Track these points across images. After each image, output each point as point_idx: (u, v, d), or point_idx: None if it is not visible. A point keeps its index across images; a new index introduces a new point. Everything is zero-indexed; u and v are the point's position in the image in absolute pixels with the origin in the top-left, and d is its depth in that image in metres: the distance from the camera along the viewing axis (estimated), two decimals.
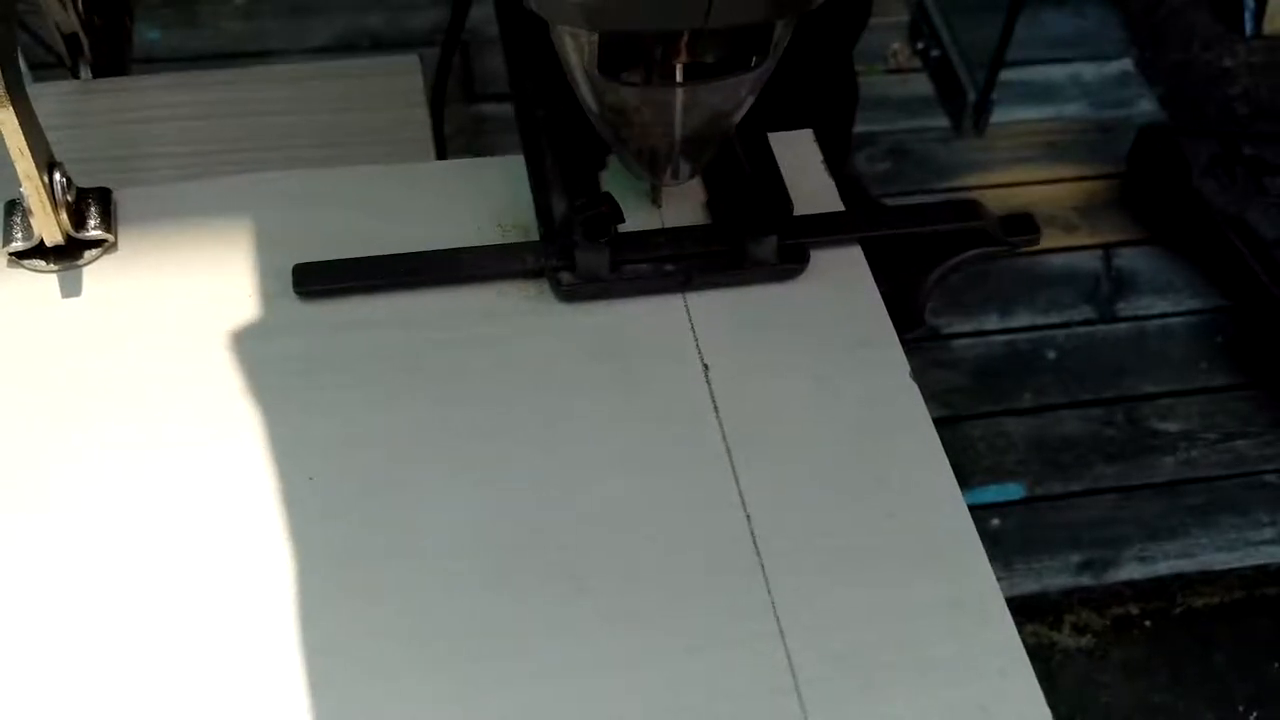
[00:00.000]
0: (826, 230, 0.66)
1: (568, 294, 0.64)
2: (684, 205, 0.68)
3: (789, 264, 0.65)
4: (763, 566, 0.55)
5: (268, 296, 0.63)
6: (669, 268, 0.65)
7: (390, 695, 0.51)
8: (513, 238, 0.67)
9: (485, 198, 0.68)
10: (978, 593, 0.55)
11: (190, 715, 0.50)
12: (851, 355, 0.63)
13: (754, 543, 0.56)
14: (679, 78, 0.58)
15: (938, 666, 0.53)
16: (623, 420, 0.60)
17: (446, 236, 0.66)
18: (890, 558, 0.56)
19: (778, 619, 0.54)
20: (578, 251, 0.63)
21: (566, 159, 0.66)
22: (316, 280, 0.63)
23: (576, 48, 0.57)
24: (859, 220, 0.67)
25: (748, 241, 0.64)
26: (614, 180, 0.67)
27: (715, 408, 0.60)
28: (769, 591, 0.54)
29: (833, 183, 0.69)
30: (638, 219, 0.66)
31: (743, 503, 0.57)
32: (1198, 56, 1.94)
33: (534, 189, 0.67)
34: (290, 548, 0.55)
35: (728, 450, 0.59)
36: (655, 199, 0.68)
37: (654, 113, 0.59)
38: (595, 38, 0.55)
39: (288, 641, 0.52)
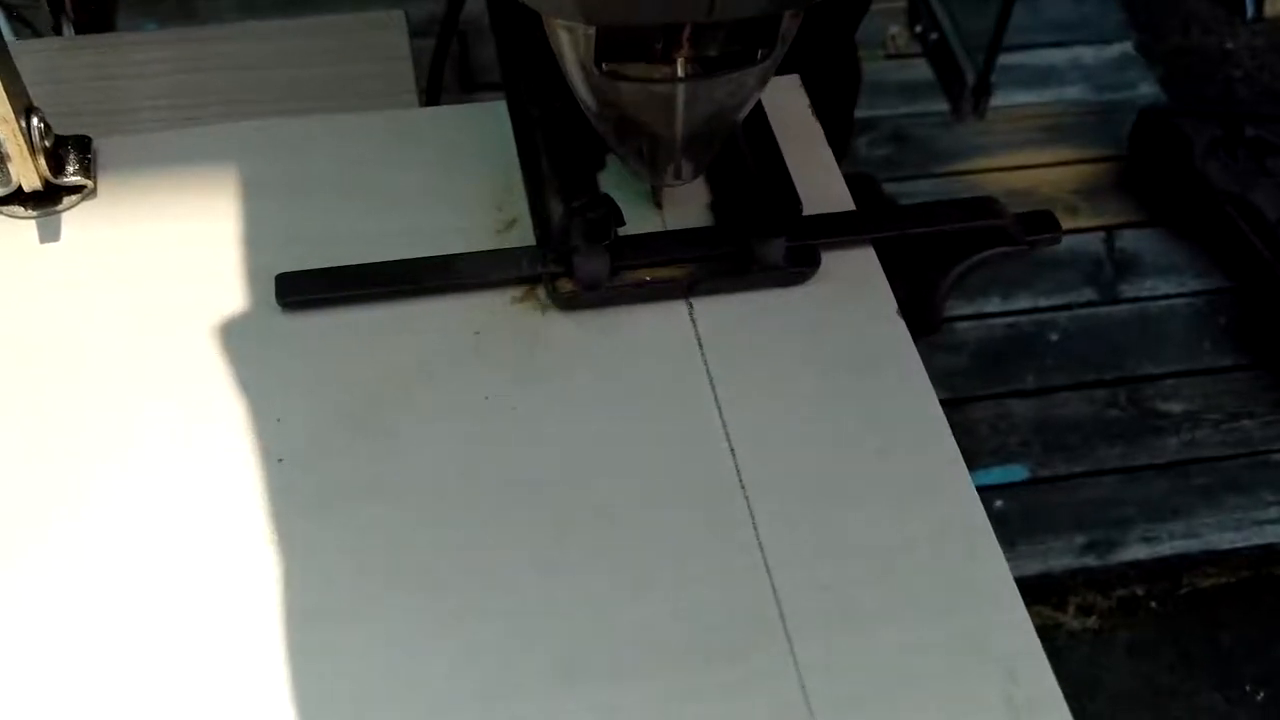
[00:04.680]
0: (838, 231, 0.62)
1: (566, 301, 0.59)
2: (687, 207, 0.63)
3: (798, 267, 0.60)
4: (748, 500, 0.53)
5: (248, 243, 0.61)
6: (672, 273, 0.60)
7: (374, 633, 0.49)
8: (500, 188, 0.63)
9: (473, 143, 0.65)
10: (965, 525, 0.53)
11: (172, 661, 0.49)
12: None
13: (739, 477, 0.54)
14: (681, 72, 0.53)
15: (925, 598, 0.51)
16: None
17: (434, 178, 0.64)
18: (878, 491, 0.54)
19: (763, 552, 0.52)
20: (576, 257, 0.58)
21: (563, 159, 0.61)
22: (300, 290, 0.58)
23: (572, 42, 0.52)
24: (871, 220, 0.62)
25: (754, 244, 0.59)
26: (613, 181, 0.62)
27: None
28: (754, 526, 0.53)
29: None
30: (638, 222, 0.61)
31: (727, 437, 0.55)
32: (1198, 40, 1.91)
33: (529, 191, 0.62)
34: (269, 489, 0.53)
35: (713, 387, 0.57)
36: (657, 200, 0.63)
37: (654, 110, 0.54)
38: (592, 31, 0.51)
39: (271, 579, 0.51)
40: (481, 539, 0.52)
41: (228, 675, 0.48)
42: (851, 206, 0.64)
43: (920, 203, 0.64)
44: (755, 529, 0.52)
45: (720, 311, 0.59)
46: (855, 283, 0.61)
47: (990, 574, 0.52)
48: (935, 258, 0.63)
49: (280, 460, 0.54)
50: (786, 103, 0.67)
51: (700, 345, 0.58)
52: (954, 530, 0.53)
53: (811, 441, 0.55)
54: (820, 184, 0.64)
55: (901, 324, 0.59)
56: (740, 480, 0.54)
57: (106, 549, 0.51)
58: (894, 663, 0.49)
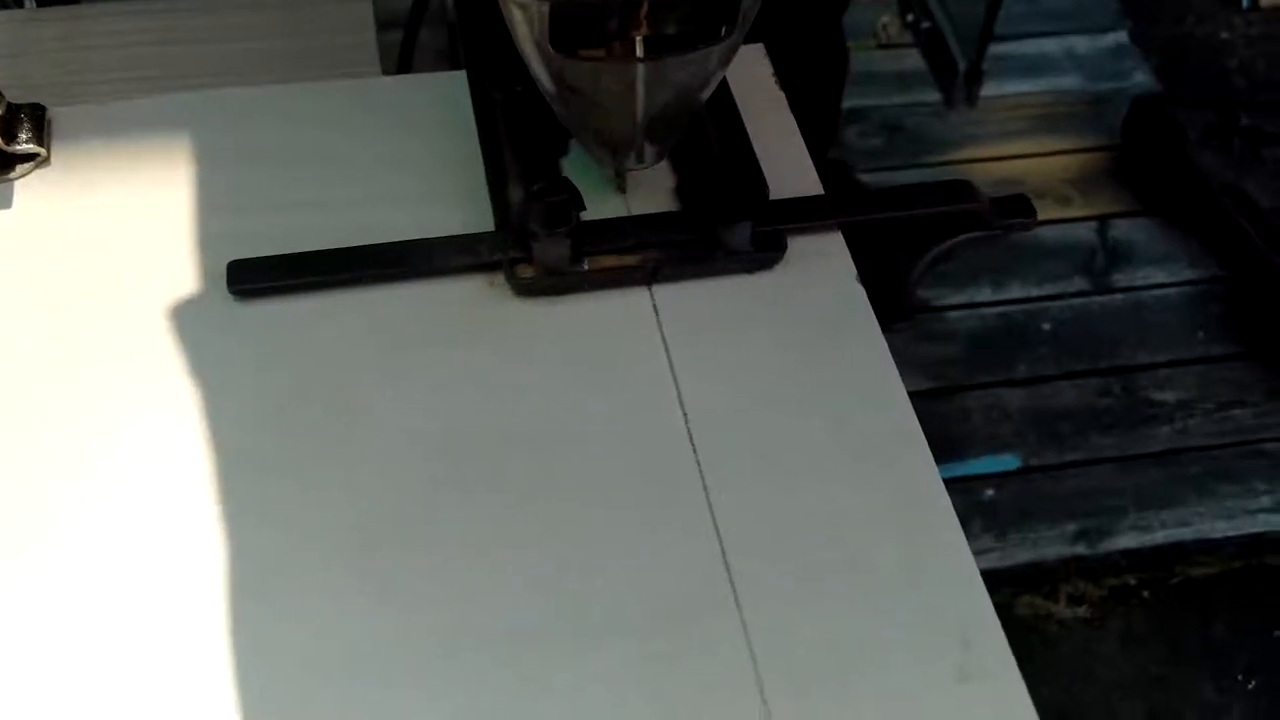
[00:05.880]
0: (805, 215, 0.59)
1: (525, 288, 0.57)
2: (651, 192, 0.61)
3: (764, 253, 0.58)
4: (702, 474, 0.52)
5: (203, 213, 0.60)
6: (635, 259, 0.58)
7: (329, 602, 0.49)
8: (460, 155, 0.62)
9: (433, 112, 0.65)
10: (922, 497, 0.52)
11: (124, 622, 0.48)
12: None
13: (695, 454, 0.53)
14: (640, 51, 0.52)
15: (878, 567, 0.50)
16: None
17: (393, 146, 0.63)
18: (833, 465, 0.53)
19: (715, 523, 0.51)
20: (535, 242, 0.56)
21: (524, 144, 0.59)
22: (252, 279, 0.56)
23: (526, 20, 0.50)
24: (840, 204, 0.60)
25: (719, 229, 0.57)
26: (575, 167, 0.60)
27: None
28: (707, 498, 0.52)
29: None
30: (601, 207, 0.59)
31: (684, 417, 0.54)
32: (1193, 29, 1.90)
33: (489, 177, 0.60)
34: (219, 462, 0.52)
35: (672, 371, 0.55)
36: (620, 185, 0.61)
37: (614, 91, 0.52)
38: (545, 8, 0.49)
39: (221, 551, 0.50)
40: (437, 511, 0.51)
41: (176, 642, 0.48)
42: (819, 186, 0.62)
43: (891, 186, 0.62)
44: (709, 501, 0.52)
45: (683, 297, 0.58)
46: (822, 268, 0.59)
47: (944, 544, 0.51)
48: (908, 242, 0.61)
49: (230, 435, 0.53)
50: (750, 72, 0.65)
51: (661, 331, 0.57)
52: (909, 502, 0.52)
53: (769, 420, 0.54)
54: (786, 159, 0.62)
55: (868, 309, 0.57)
56: (696, 457, 0.53)
57: (49, 519, 0.50)
58: (844, 630, 0.48)
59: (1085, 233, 1.66)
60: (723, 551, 0.50)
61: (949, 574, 0.50)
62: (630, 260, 0.57)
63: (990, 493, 1.43)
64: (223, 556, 0.49)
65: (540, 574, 0.50)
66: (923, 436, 0.53)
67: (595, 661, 0.47)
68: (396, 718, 0.46)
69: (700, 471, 0.52)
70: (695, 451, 0.53)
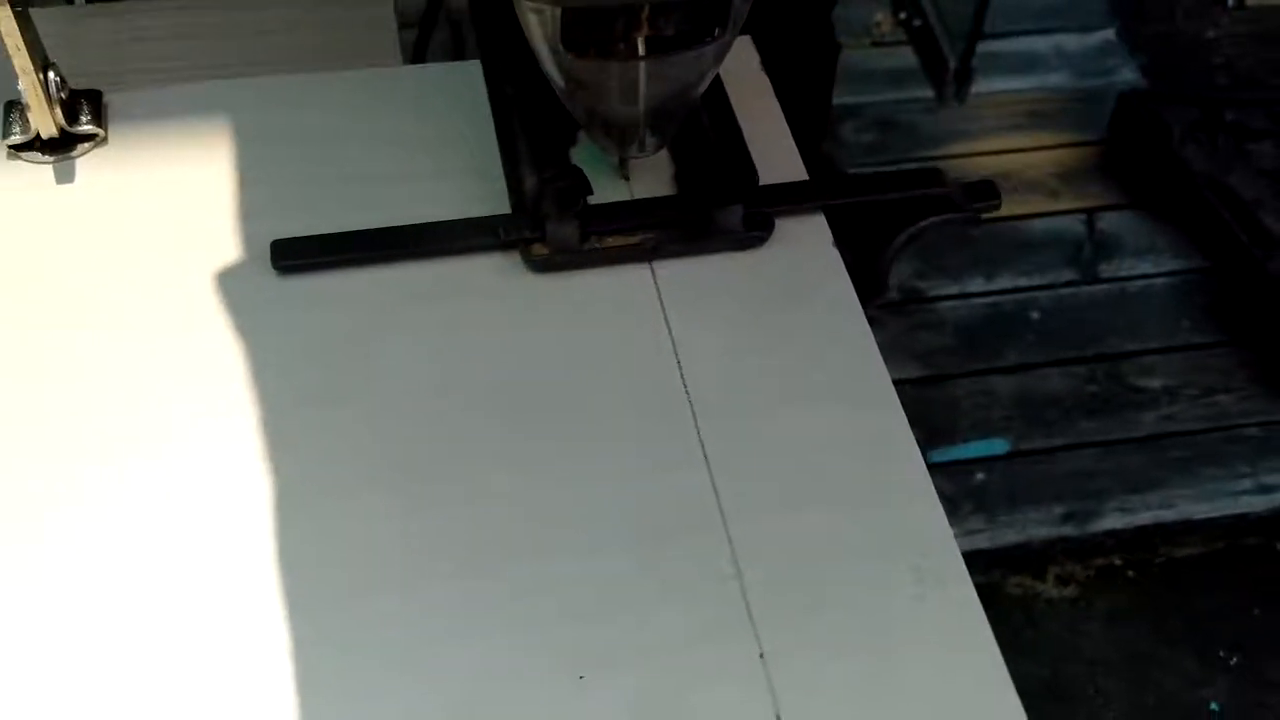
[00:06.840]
0: (791, 199, 0.65)
1: (539, 265, 0.63)
2: (652, 178, 0.66)
3: (754, 232, 0.64)
4: (694, 412, 0.58)
5: (246, 188, 0.66)
6: (637, 238, 0.63)
7: (348, 511, 0.55)
8: (476, 137, 0.68)
9: (452, 97, 0.70)
10: (885, 427, 0.58)
11: (189, 534, 0.53)
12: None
13: (687, 397, 0.58)
14: (641, 51, 0.57)
15: (849, 490, 0.56)
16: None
17: (416, 128, 0.69)
18: (812, 404, 0.59)
19: (704, 452, 0.56)
20: (548, 224, 0.62)
21: (536, 135, 0.65)
22: (293, 256, 0.62)
23: (540, 23, 0.56)
24: (822, 188, 0.66)
25: (714, 211, 0.63)
26: (584, 156, 0.66)
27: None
28: (698, 432, 0.57)
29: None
30: (607, 192, 0.65)
31: (679, 368, 0.59)
32: (1180, 27, 1.91)
33: (505, 165, 0.65)
34: (271, 403, 0.57)
35: (670, 332, 0.61)
36: (624, 173, 0.66)
37: (618, 86, 0.58)
38: (558, 12, 0.54)
39: (264, 488, 0.55)
40: (452, 444, 0.57)
41: (232, 552, 0.53)
42: (802, 168, 0.67)
43: (869, 173, 0.68)
44: (698, 434, 0.57)
45: (681, 272, 0.63)
46: (806, 245, 0.64)
47: (907, 470, 0.56)
48: (883, 224, 0.67)
49: (274, 389, 0.58)
50: (739, 62, 0.70)
51: (661, 301, 0.62)
52: (874, 432, 0.58)
53: (753, 367, 0.60)
54: (773, 145, 0.68)
55: (845, 276, 0.62)
56: (688, 398, 0.58)
57: (119, 457, 0.56)
58: (818, 543, 0.54)
59: (1073, 225, 1.68)
60: (711, 477, 0.55)
61: (908, 493, 0.55)
62: (633, 239, 0.63)
63: (980, 476, 1.46)
64: (268, 484, 0.55)
65: (550, 495, 0.55)
66: (888, 376, 0.59)
67: (600, 567, 0.53)
68: (412, 614, 0.51)
69: (692, 411, 0.58)
70: (688, 394, 0.58)
